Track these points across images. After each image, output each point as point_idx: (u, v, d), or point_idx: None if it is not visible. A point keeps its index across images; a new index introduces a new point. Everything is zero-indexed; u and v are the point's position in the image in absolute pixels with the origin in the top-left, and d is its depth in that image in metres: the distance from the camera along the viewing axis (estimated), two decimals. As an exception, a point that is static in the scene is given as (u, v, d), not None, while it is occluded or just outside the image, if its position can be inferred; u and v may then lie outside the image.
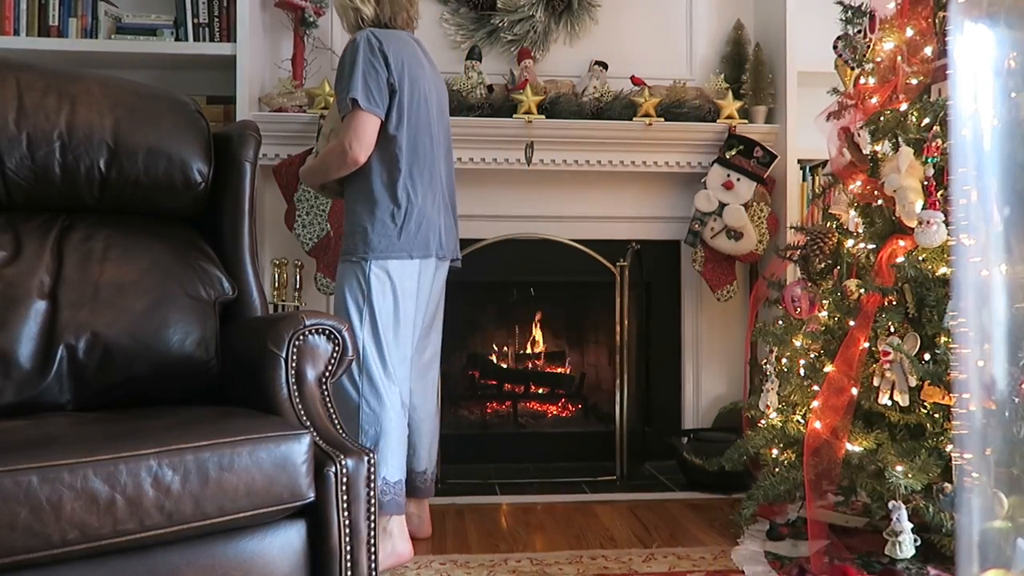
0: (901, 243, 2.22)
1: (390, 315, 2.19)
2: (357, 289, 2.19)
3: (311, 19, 3.05)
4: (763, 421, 2.49)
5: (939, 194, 2.14)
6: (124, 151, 1.84)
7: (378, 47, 2.17)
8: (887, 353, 2.08)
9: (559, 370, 3.68)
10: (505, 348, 3.64)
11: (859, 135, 2.39)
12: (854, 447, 2.13)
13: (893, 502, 2.01)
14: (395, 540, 2.14)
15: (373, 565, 1.50)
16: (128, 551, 1.29)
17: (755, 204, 3.10)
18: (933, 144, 2.15)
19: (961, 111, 0.98)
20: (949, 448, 1.98)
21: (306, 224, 2.90)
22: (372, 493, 1.50)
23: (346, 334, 1.65)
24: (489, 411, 3.57)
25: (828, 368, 2.25)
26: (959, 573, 0.99)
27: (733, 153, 3.11)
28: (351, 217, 2.24)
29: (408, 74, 2.21)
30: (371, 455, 1.51)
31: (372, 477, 1.50)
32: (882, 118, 2.36)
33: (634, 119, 3.07)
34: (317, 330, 1.62)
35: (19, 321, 1.65)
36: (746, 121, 3.18)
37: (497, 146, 3.07)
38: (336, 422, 1.62)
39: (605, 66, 3.18)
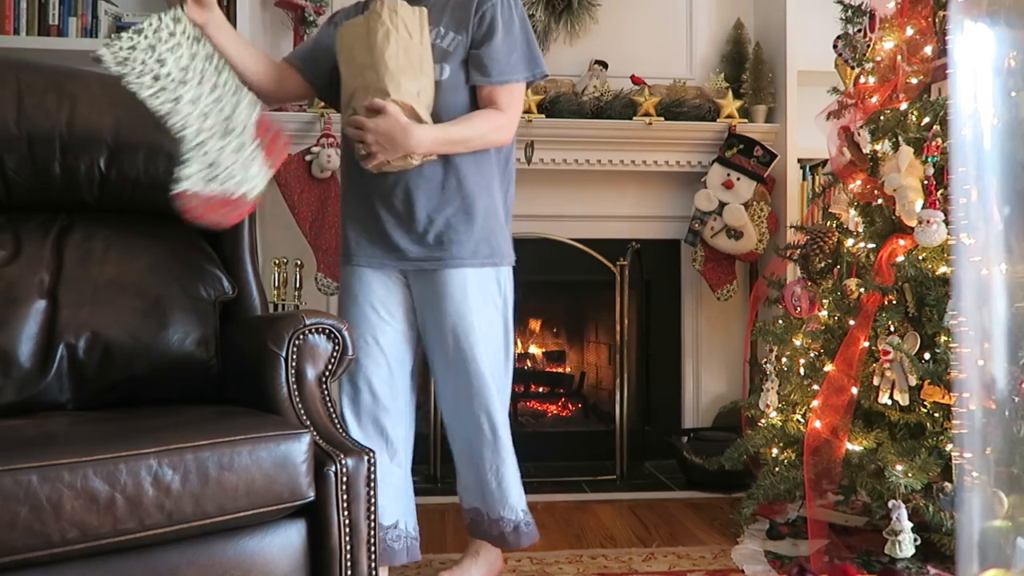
0: (901, 242, 2.22)
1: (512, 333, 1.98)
2: (501, 300, 1.92)
3: (311, 18, 3.05)
4: (763, 420, 2.49)
5: (939, 193, 2.14)
6: (124, 150, 1.84)
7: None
8: (887, 352, 2.08)
9: (559, 369, 3.68)
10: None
11: (859, 134, 2.39)
12: (854, 446, 2.13)
13: (893, 501, 2.01)
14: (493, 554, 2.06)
15: (373, 564, 1.50)
16: (128, 550, 1.29)
17: (755, 203, 3.10)
18: (933, 143, 2.15)
19: (961, 110, 0.97)
20: (949, 447, 1.99)
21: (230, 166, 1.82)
22: (372, 492, 1.50)
23: (346, 333, 1.65)
24: (489, 410, 3.57)
25: (828, 367, 2.25)
26: (959, 572, 0.99)
27: (733, 152, 3.11)
28: (478, 210, 1.86)
29: None
30: (371, 455, 1.51)
31: (372, 476, 1.50)
32: (882, 117, 2.36)
33: (634, 118, 3.08)
34: (317, 329, 1.62)
35: (19, 320, 1.65)
36: (746, 120, 3.18)
37: (497, 145, 3.07)
38: (336, 421, 1.61)
39: (605, 65, 3.18)
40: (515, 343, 2.03)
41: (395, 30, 1.75)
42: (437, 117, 1.80)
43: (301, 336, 1.60)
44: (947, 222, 2.09)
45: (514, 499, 1.97)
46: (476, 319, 1.85)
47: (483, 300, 1.86)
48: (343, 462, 1.47)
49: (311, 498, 1.43)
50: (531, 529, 1.98)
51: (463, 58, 1.84)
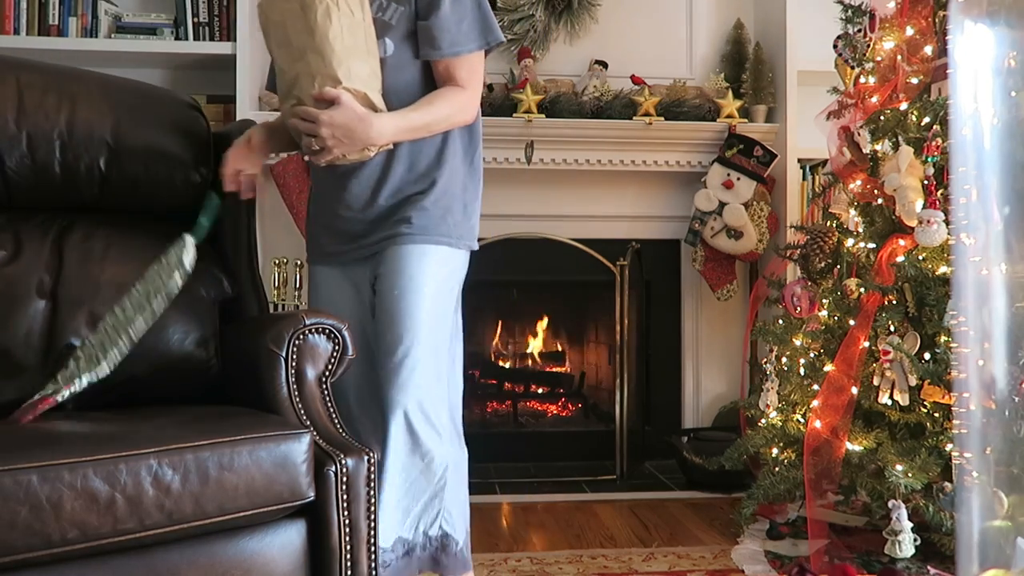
0: (901, 242, 2.22)
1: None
2: (455, 285, 1.76)
3: (311, 18, 3.05)
4: (763, 420, 2.49)
5: (939, 193, 2.14)
6: (124, 150, 1.84)
7: None
8: (887, 352, 2.08)
9: (559, 369, 3.68)
10: (505, 347, 3.64)
11: (859, 134, 2.39)
12: (854, 446, 2.13)
13: (893, 501, 2.01)
14: None
15: (373, 564, 1.50)
16: (128, 550, 1.29)
17: (755, 203, 3.10)
18: (933, 143, 2.15)
19: (961, 110, 0.97)
20: (949, 447, 1.99)
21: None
22: (372, 492, 1.50)
23: (346, 333, 1.65)
24: (489, 410, 3.57)
25: (828, 367, 2.25)
26: (959, 572, 0.99)
27: (733, 152, 3.11)
28: (430, 188, 1.73)
29: None
30: (371, 454, 1.51)
31: (372, 476, 1.50)
32: (882, 117, 2.36)
33: (634, 118, 3.08)
34: (317, 329, 1.62)
35: (19, 320, 1.65)
36: (746, 120, 3.18)
37: (497, 145, 3.07)
38: (336, 421, 1.61)
39: (605, 65, 3.18)
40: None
41: (336, 7, 1.56)
42: (384, 99, 1.66)
43: (301, 336, 1.60)
44: (947, 222, 2.09)
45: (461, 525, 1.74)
46: (425, 298, 1.67)
47: (434, 279, 1.69)
48: (343, 462, 1.47)
49: (311, 498, 1.43)
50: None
51: (407, 30, 1.69)
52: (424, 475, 1.66)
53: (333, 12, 1.56)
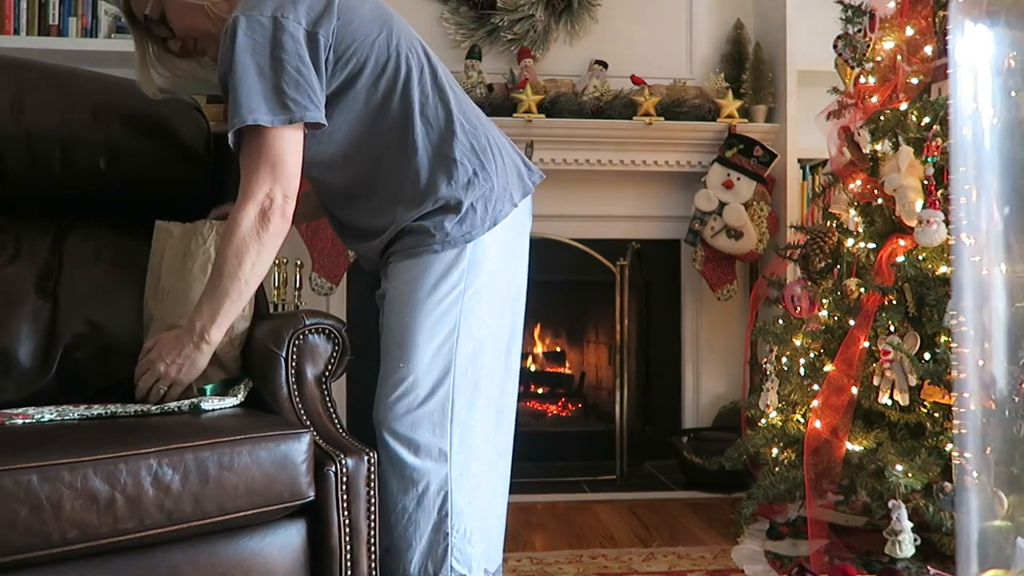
0: (901, 242, 2.22)
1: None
2: (448, 293, 1.54)
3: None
4: (763, 420, 2.49)
5: (939, 193, 2.14)
6: (124, 151, 1.84)
7: None
8: (887, 352, 2.08)
9: (559, 369, 3.68)
10: (505, 347, 3.63)
11: (859, 134, 2.39)
12: (854, 446, 2.13)
13: (893, 501, 2.01)
14: None
15: (373, 564, 1.50)
16: (128, 550, 1.29)
17: (755, 203, 3.10)
18: (933, 143, 2.15)
19: (961, 110, 0.97)
20: (949, 447, 1.99)
21: None
22: (372, 492, 1.50)
23: (345, 334, 1.65)
24: (489, 410, 3.57)
25: (828, 367, 2.25)
26: (959, 572, 0.99)
27: (733, 152, 3.11)
28: (393, 196, 1.57)
29: None
30: (370, 454, 1.51)
31: (372, 476, 1.50)
32: (882, 117, 2.36)
33: (634, 118, 3.08)
34: (317, 329, 1.62)
35: (19, 320, 1.65)
36: (746, 120, 3.18)
37: (497, 145, 3.07)
38: (336, 421, 1.61)
39: (605, 65, 3.18)
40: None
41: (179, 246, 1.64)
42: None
43: (301, 336, 1.60)
44: (947, 222, 2.09)
45: None
46: (405, 315, 1.53)
47: (417, 293, 1.53)
48: (343, 462, 1.47)
49: (311, 498, 1.43)
50: None
51: None
52: (419, 504, 1.53)
53: (166, 253, 1.68)
